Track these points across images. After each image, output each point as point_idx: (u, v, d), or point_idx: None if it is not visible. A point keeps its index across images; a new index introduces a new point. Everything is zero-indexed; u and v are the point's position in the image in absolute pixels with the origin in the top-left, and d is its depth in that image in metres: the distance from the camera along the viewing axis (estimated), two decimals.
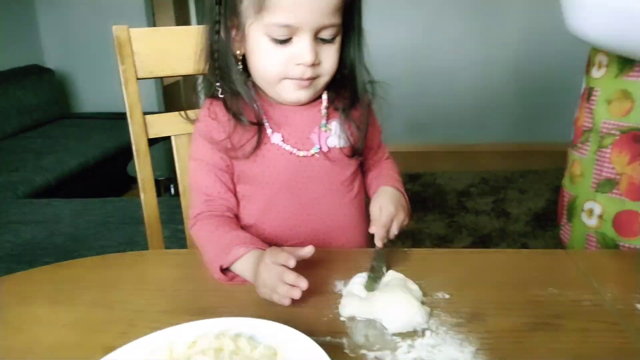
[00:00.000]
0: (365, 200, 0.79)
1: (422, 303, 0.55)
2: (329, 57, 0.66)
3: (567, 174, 0.84)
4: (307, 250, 0.57)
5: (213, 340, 0.44)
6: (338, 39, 0.67)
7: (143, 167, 1.01)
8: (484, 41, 3.80)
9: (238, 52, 0.68)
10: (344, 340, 0.51)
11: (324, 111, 0.72)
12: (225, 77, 0.69)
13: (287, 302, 0.54)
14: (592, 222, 0.79)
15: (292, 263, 0.54)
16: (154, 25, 4.48)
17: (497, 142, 3.87)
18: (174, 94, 4.62)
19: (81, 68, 4.09)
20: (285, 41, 0.63)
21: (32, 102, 3.55)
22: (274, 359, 0.43)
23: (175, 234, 1.52)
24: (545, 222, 2.62)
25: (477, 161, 3.81)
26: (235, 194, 0.73)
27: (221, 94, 0.70)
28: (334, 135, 0.72)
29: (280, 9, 0.61)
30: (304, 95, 0.68)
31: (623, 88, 0.73)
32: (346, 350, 0.49)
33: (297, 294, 0.53)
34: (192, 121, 0.80)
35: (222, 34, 0.67)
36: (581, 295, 0.57)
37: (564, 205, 0.85)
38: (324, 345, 0.45)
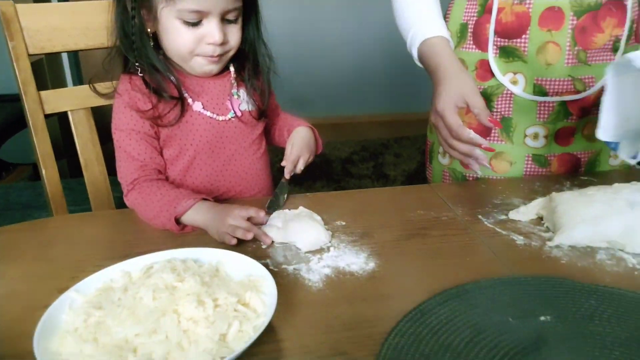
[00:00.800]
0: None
1: (326, 229, 0.70)
2: (234, 35, 0.77)
3: (428, 125, 1.03)
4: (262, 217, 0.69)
5: (166, 263, 0.54)
6: (240, 19, 0.78)
7: (42, 144, 1.03)
8: (359, 18, 4.04)
9: (149, 30, 0.76)
10: (268, 261, 0.64)
11: (233, 81, 0.83)
12: (142, 54, 0.76)
13: (234, 241, 0.66)
14: (445, 161, 0.99)
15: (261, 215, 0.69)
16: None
17: (375, 113, 4.16)
18: (35, 72, 4.32)
19: None
20: (195, 23, 0.73)
21: None
22: (217, 274, 0.55)
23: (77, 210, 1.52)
24: (418, 181, 2.95)
25: (358, 131, 4.07)
26: (165, 165, 0.82)
27: (140, 72, 0.77)
28: (243, 101, 0.84)
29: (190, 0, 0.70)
30: (215, 68, 0.79)
31: (460, 57, 0.89)
32: (271, 267, 0.62)
33: (250, 236, 0.66)
34: (103, 95, 0.86)
35: (136, 16, 0.74)
36: (440, 213, 0.76)
37: (427, 151, 1.05)
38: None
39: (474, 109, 0.72)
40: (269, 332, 0.49)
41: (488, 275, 0.59)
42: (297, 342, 0.49)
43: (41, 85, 1.01)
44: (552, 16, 0.83)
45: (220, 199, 0.84)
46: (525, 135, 0.93)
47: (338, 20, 4.01)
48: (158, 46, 0.79)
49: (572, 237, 0.65)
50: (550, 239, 0.66)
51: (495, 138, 0.93)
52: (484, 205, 0.78)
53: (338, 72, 4.16)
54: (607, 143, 0.69)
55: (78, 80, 4.40)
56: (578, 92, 0.88)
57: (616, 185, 0.71)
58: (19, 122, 2.92)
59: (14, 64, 1.01)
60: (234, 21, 0.77)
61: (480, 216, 0.75)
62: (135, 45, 0.76)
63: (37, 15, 1.03)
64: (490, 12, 0.87)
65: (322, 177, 3.15)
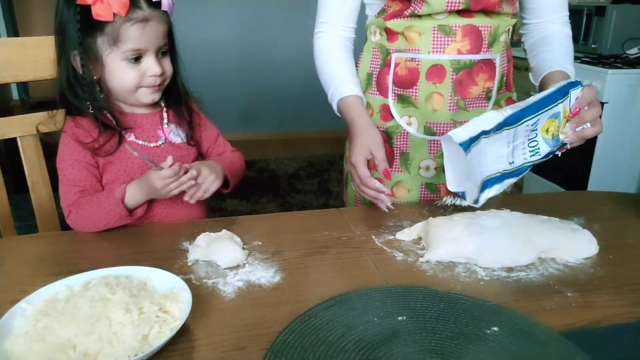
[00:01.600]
0: None
1: (243, 248, 0.84)
2: (167, 66, 0.93)
3: (344, 157, 1.20)
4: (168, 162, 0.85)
5: (101, 279, 0.67)
6: (168, 53, 0.93)
7: None
8: (308, 35, 4.21)
9: (94, 77, 0.89)
10: (192, 276, 0.77)
11: (164, 114, 0.98)
12: (90, 99, 0.89)
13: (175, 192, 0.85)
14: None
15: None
16: None
17: (321, 130, 4.34)
18: None
19: None
20: (137, 59, 0.87)
21: None
22: (145, 287, 0.68)
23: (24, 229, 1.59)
24: None
25: (305, 147, 4.23)
26: (96, 185, 0.94)
27: (91, 109, 0.90)
28: (172, 133, 0.98)
29: (130, 40, 0.85)
30: (157, 96, 0.94)
31: (368, 101, 1.08)
32: (194, 281, 0.75)
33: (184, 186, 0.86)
34: (42, 134, 0.99)
35: (86, 68, 0.87)
36: (342, 234, 0.91)
37: (344, 179, 1.21)
38: (185, 281, 0.71)
39: (375, 160, 0.91)
40: (186, 333, 0.63)
41: (367, 285, 0.74)
42: (208, 341, 0.63)
43: None
44: (436, 72, 1.01)
45: (156, 220, 0.97)
46: (419, 167, 1.10)
47: (287, 37, 4.17)
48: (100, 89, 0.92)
49: (437, 254, 0.81)
50: (422, 256, 0.83)
51: (396, 169, 1.11)
52: (379, 227, 0.94)
53: (287, 88, 4.32)
54: (455, 193, 0.86)
55: (26, 95, 4.37)
56: None
57: (477, 212, 0.88)
58: None
59: None
60: (165, 53, 0.92)
61: (373, 236, 0.90)
62: (83, 93, 0.88)
63: None
64: (389, 65, 1.04)
65: (268, 193, 3.28)
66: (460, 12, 0.97)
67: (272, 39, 4.20)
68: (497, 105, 1.09)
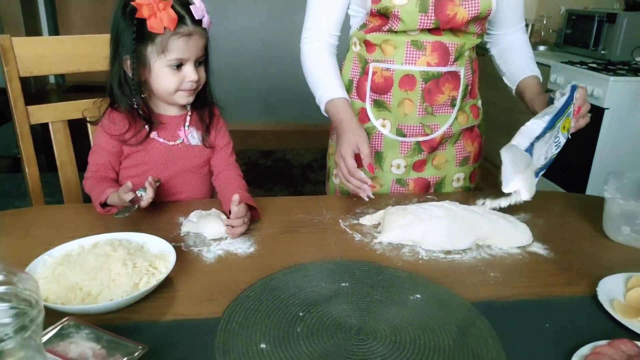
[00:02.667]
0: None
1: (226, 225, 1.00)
2: (202, 73, 1.10)
3: (327, 154, 1.35)
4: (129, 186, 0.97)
5: (107, 241, 0.84)
6: (203, 64, 1.10)
7: (26, 149, 1.32)
8: None
9: (142, 78, 1.06)
10: (182, 244, 0.94)
11: (188, 117, 1.15)
12: (135, 97, 1.07)
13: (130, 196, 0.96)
14: (337, 181, 1.31)
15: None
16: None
17: None
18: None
19: None
20: (178, 67, 1.04)
21: None
22: (142, 249, 0.84)
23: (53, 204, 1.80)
24: None
25: (322, 139, 4.36)
26: (117, 171, 1.14)
27: (135, 106, 1.08)
28: (190, 135, 1.14)
29: (176, 50, 1.01)
30: (191, 99, 1.11)
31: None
32: (183, 248, 0.92)
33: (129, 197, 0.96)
34: (91, 122, 1.17)
35: (136, 72, 1.04)
36: (314, 217, 1.07)
37: (327, 173, 1.37)
38: (175, 248, 0.88)
39: (361, 154, 1.05)
40: (171, 285, 0.80)
41: (324, 258, 0.90)
42: (187, 292, 0.79)
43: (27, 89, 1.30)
44: (408, 81, 1.16)
45: (169, 200, 1.14)
46: (391, 165, 1.25)
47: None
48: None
49: (388, 237, 0.96)
50: (376, 238, 0.97)
51: (374, 167, 1.26)
52: (348, 213, 1.09)
53: (304, 79, 4.45)
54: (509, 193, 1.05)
55: (61, 79, 4.65)
56: (427, 134, 1.20)
57: (428, 204, 1.02)
58: (2, 115, 3.16)
59: (8, 83, 1.29)
60: (202, 63, 1.09)
61: (340, 220, 1.06)
62: (130, 92, 1.06)
63: (28, 46, 1.31)
64: (367, 73, 1.19)
65: (282, 182, 3.44)
66: (431, 30, 1.11)
67: (295, 32, 4.34)
68: (462, 111, 1.22)
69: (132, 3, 0.98)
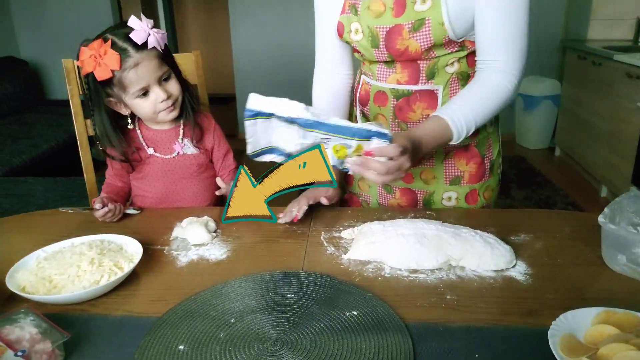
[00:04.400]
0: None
1: (215, 231, 1.07)
2: (172, 87, 1.17)
3: None
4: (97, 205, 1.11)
5: (92, 241, 0.95)
6: (172, 74, 1.17)
7: (85, 156, 1.51)
8: None
9: (126, 113, 1.19)
10: (166, 247, 1.02)
11: (181, 131, 1.24)
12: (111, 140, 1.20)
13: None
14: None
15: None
16: (121, 20, 4.92)
17: None
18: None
19: (52, 59, 4.48)
20: (145, 95, 1.14)
21: (8, 91, 3.93)
22: (120, 250, 0.94)
23: None
24: None
25: None
26: (127, 181, 1.28)
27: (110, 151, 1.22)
28: (186, 146, 1.24)
29: (131, 84, 1.11)
30: (174, 113, 1.20)
31: None
32: (164, 251, 1.00)
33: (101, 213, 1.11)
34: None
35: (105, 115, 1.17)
36: (300, 227, 1.09)
37: None
38: (156, 250, 0.97)
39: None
40: (134, 284, 0.88)
41: (290, 269, 0.92)
42: (146, 292, 0.87)
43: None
44: (380, 97, 1.16)
45: (173, 207, 1.25)
46: None
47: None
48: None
49: (356, 254, 0.95)
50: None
51: None
52: (334, 225, 1.10)
53: None
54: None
55: None
56: None
57: (401, 220, 1.00)
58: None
59: (70, 100, 1.49)
60: (168, 78, 1.16)
61: (323, 232, 1.07)
62: (111, 142, 1.20)
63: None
64: (359, 83, 1.22)
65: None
66: None
67: (303, 40, 4.35)
68: None
69: (77, 64, 1.08)
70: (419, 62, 1.09)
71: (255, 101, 0.93)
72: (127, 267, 0.88)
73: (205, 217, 1.11)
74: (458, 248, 0.92)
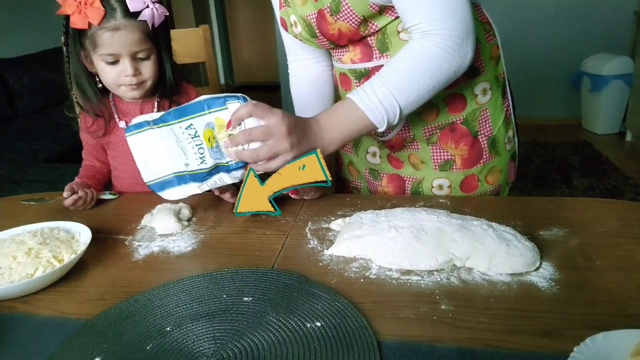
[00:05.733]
0: None
1: (188, 220, 0.94)
2: (146, 69, 1.05)
3: None
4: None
5: (41, 229, 0.84)
6: (153, 57, 1.05)
7: None
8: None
9: (93, 71, 1.07)
10: (130, 237, 0.90)
11: (156, 104, 1.11)
12: (86, 91, 1.09)
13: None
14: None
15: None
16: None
17: None
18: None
19: None
20: (113, 62, 1.02)
21: (56, 81, 4.03)
22: (71, 239, 0.83)
23: None
24: None
25: None
26: (104, 160, 1.19)
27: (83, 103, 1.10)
28: None
29: (104, 45, 0.99)
30: (137, 94, 1.07)
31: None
32: (126, 242, 0.88)
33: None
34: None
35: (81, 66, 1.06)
36: (286, 217, 0.94)
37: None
38: (118, 240, 0.86)
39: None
40: (77, 279, 0.77)
41: (259, 265, 0.77)
42: (86, 289, 0.75)
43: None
44: (344, 79, 1.04)
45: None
46: (367, 152, 1.11)
47: None
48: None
49: (338, 249, 0.79)
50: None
51: (348, 149, 1.17)
52: (326, 215, 0.93)
53: None
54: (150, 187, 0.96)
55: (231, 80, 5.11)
56: (381, 135, 1.03)
57: (397, 210, 0.82)
58: None
59: None
60: (146, 58, 1.04)
61: (311, 222, 0.91)
62: (86, 93, 1.09)
63: None
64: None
65: None
66: None
67: None
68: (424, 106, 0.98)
69: (58, 0, 0.97)
70: (366, 37, 0.94)
71: (135, 120, 0.95)
72: (68, 259, 0.76)
73: (180, 204, 0.98)
74: (464, 245, 0.73)
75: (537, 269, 0.72)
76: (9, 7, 4.01)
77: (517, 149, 1.09)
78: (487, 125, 1.02)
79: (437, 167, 1.05)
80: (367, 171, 1.14)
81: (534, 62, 4.23)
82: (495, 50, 1.01)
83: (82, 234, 0.85)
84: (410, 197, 1.04)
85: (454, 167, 1.04)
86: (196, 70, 3.44)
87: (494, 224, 0.78)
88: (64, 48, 1.06)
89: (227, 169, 0.88)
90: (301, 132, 0.83)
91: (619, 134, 3.99)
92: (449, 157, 1.04)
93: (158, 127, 0.89)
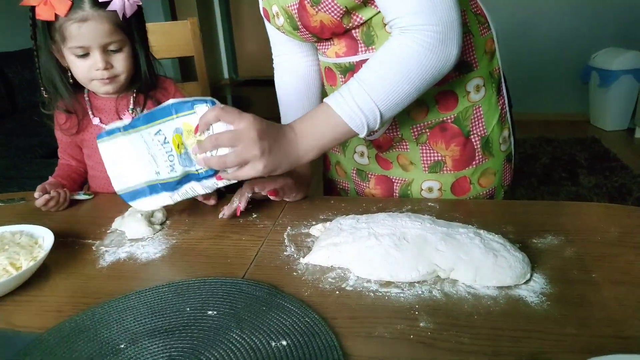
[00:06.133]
0: None
1: (162, 224, 0.89)
2: (118, 62, 1.00)
3: None
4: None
5: (3, 233, 0.80)
6: (126, 49, 0.99)
7: None
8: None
9: (65, 65, 1.02)
10: (98, 242, 0.85)
11: (132, 100, 1.06)
12: (57, 87, 1.03)
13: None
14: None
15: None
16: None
17: None
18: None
19: None
20: (84, 56, 0.97)
21: None
22: (33, 244, 0.78)
23: None
24: None
25: None
26: (82, 159, 1.13)
27: (53, 100, 1.05)
28: None
29: (72, 38, 0.94)
30: (110, 88, 1.02)
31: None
32: (93, 247, 0.83)
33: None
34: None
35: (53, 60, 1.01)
36: (264, 220, 0.88)
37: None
38: (85, 245, 0.81)
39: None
40: (35, 289, 0.72)
41: (229, 275, 0.72)
42: (43, 299, 0.70)
43: None
44: (329, 74, 0.98)
45: None
46: (355, 152, 1.05)
47: None
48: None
49: (314, 258, 0.73)
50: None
51: (336, 149, 1.11)
52: (307, 219, 0.88)
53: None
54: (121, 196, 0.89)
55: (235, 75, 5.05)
56: (372, 133, 0.94)
57: (380, 215, 0.76)
58: None
59: None
60: (118, 51, 0.99)
61: (290, 227, 0.86)
62: (57, 89, 1.03)
63: None
64: None
65: None
66: None
67: None
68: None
69: None
70: (351, 31, 0.88)
71: (108, 126, 0.89)
72: (26, 266, 0.72)
73: (159, 207, 0.93)
74: (448, 255, 0.67)
75: (527, 282, 0.66)
76: (9, 0, 3.96)
77: (513, 149, 1.02)
78: (480, 125, 0.96)
79: (426, 169, 0.99)
80: (354, 172, 1.08)
81: (541, 56, 4.14)
82: (489, 44, 0.94)
83: (46, 239, 0.80)
84: (398, 199, 0.98)
85: (445, 168, 0.98)
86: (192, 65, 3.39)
87: (482, 231, 0.72)
88: (33, 42, 1.01)
89: (197, 178, 0.82)
90: (273, 139, 0.77)
91: (627, 130, 3.89)
92: (439, 158, 0.98)
93: (128, 134, 0.84)
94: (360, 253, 0.70)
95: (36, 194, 0.96)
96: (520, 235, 0.77)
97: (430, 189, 0.99)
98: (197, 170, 0.81)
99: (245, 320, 0.62)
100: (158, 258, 0.79)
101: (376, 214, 0.78)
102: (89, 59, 0.98)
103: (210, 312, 0.64)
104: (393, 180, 1.03)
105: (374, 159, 1.04)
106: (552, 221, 0.82)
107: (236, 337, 0.59)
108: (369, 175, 1.06)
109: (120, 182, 0.88)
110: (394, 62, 0.76)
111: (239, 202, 0.88)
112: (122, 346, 0.59)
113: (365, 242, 0.71)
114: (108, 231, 0.89)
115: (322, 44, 0.96)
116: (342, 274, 0.71)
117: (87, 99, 1.08)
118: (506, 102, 0.99)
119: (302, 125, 0.80)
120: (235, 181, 0.80)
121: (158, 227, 0.88)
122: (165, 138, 0.80)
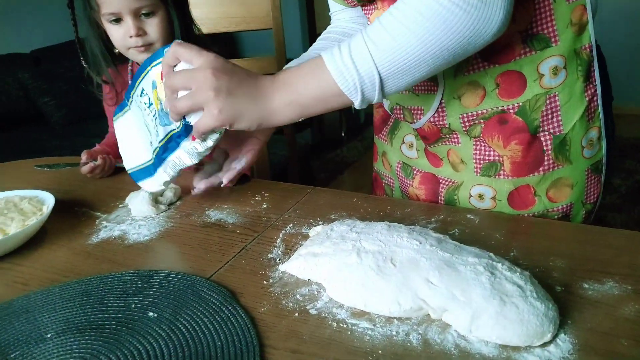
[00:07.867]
0: None
1: (170, 204, 0.84)
2: (151, 27, 0.95)
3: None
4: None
5: (13, 197, 0.80)
6: (160, 13, 0.94)
7: None
8: None
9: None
10: (105, 216, 0.83)
11: None
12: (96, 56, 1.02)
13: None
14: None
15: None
16: None
17: None
18: None
19: None
20: (117, 22, 0.94)
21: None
22: (34, 214, 0.77)
23: None
24: None
25: None
26: None
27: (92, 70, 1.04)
28: None
29: (104, 4, 0.92)
30: (146, 56, 0.98)
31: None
32: (97, 222, 0.81)
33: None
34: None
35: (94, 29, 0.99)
36: (270, 214, 0.78)
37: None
38: (93, 217, 0.80)
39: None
40: (23, 258, 0.71)
41: (195, 271, 0.64)
42: (33, 270, 0.68)
43: None
44: None
45: None
46: (403, 142, 0.90)
47: None
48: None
49: (291, 267, 0.62)
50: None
51: (383, 137, 0.96)
52: (317, 217, 0.76)
53: None
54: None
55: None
56: (411, 122, 0.82)
57: (376, 224, 0.61)
58: None
59: None
60: (150, 15, 0.94)
61: (291, 225, 0.75)
62: (95, 60, 1.02)
63: None
64: None
65: None
66: None
67: None
68: (464, 85, 0.76)
69: None
70: None
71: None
72: (13, 233, 0.71)
73: (172, 185, 0.88)
74: (440, 290, 0.51)
75: (545, 344, 0.48)
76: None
77: (604, 157, 0.79)
78: (555, 119, 0.74)
79: (478, 171, 0.80)
80: (399, 166, 0.93)
81: None
82: (579, 13, 0.71)
83: (49, 208, 0.79)
84: (427, 206, 0.79)
85: (501, 172, 0.78)
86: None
87: (500, 264, 0.54)
88: (70, 10, 1.01)
89: (177, 142, 0.72)
90: (236, 83, 0.63)
91: None
92: (495, 158, 0.78)
93: (130, 105, 0.79)
94: (336, 271, 0.57)
95: (83, 158, 0.96)
96: (568, 275, 0.58)
97: (480, 197, 0.81)
98: (173, 131, 0.71)
99: (179, 328, 0.54)
100: (144, 242, 0.74)
101: (376, 223, 0.64)
102: (122, 25, 0.95)
103: (150, 314, 0.57)
104: (440, 180, 0.85)
105: (423, 152, 0.88)
106: (624, 261, 0.60)
107: (147, 344, 0.51)
108: (414, 172, 0.90)
109: (129, 161, 0.84)
110: (412, 18, 0.58)
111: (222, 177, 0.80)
112: (49, 336, 0.55)
113: (345, 257, 0.57)
114: (120, 205, 0.86)
115: (366, 8, 0.81)
116: (315, 292, 0.58)
117: (130, 69, 1.06)
118: (599, 92, 0.75)
119: (285, 75, 0.65)
120: (210, 146, 0.69)
121: (163, 207, 0.83)
122: (150, 99, 0.73)
